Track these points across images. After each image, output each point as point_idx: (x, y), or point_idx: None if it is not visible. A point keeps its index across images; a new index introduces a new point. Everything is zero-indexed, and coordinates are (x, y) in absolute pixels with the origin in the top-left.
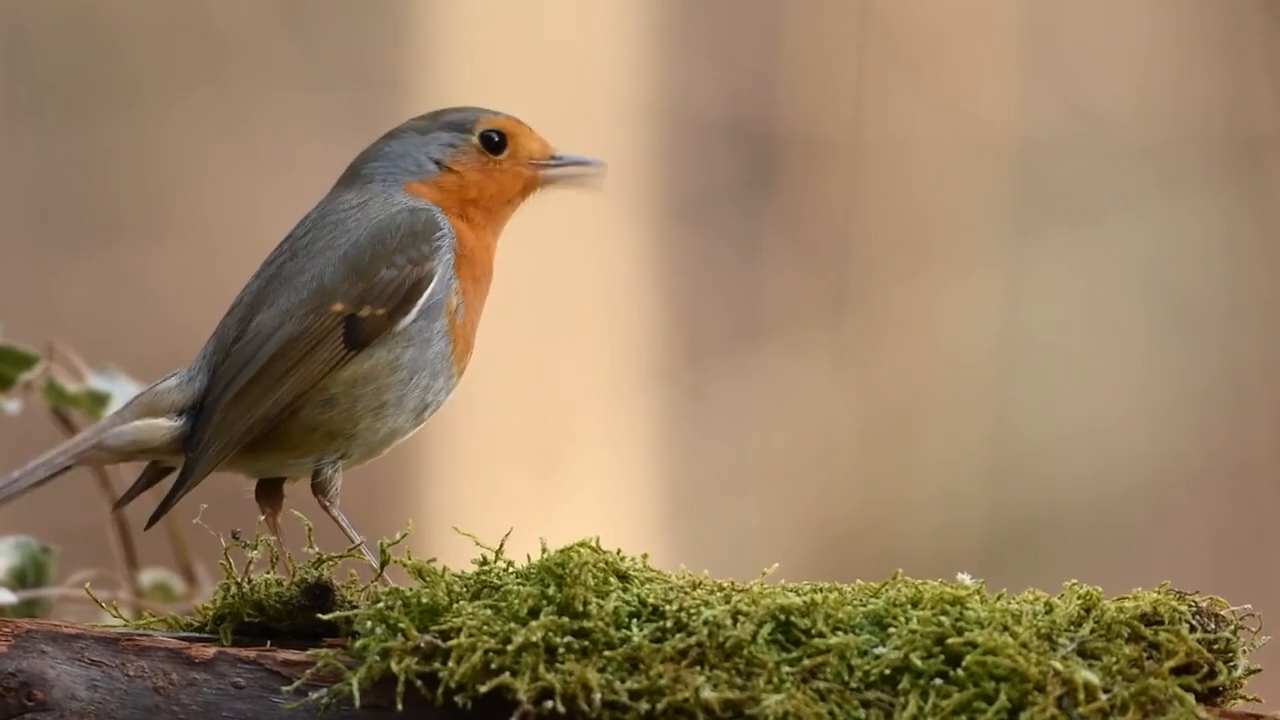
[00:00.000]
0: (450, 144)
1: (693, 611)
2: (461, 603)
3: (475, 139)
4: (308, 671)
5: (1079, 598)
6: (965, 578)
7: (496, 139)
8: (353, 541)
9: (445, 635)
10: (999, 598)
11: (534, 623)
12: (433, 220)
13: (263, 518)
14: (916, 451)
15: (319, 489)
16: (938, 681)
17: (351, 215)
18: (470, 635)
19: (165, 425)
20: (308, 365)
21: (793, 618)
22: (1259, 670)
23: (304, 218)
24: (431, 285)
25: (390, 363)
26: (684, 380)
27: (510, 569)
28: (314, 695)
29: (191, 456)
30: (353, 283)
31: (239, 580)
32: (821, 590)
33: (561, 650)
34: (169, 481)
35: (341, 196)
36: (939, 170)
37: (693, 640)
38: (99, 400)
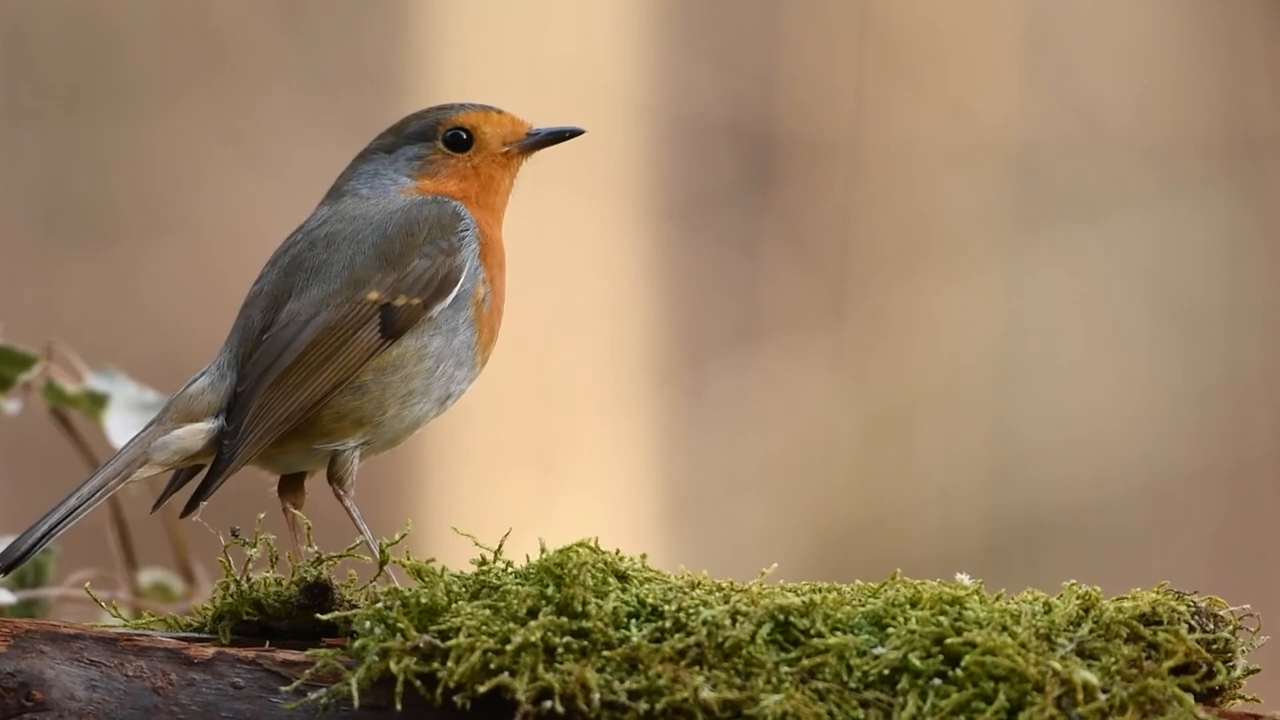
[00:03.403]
0: (417, 156)
1: (691, 612)
2: (460, 603)
3: (440, 144)
4: (306, 672)
5: (1078, 598)
6: (964, 578)
7: (464, 137)
8: (361, 533)
9: (444, 635)
10: (998, 598)
11: (533, 623)
12: (457, 211)
13: (262, 515)
14: (916, 452)
15: (335, 477)
16: (936, 681)
17: (374, 207)
18: (469, 635)
19: (206, 428)
20: (345, 352)
21: (791, 618)
22: (1258, 670)
23: (314, 213)
24: (462, 276)
25: (418, 351)
26: (684, 381)
27: (509, 569)
28: (313, 695)
29: (229, 444)
30: (385, 272)
31: (238, 578)
32: (820, 590)
33: (560, 650)
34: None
35: (343, 200)
36: (939, 170)
37: (691, 640)
38: (98, 401)
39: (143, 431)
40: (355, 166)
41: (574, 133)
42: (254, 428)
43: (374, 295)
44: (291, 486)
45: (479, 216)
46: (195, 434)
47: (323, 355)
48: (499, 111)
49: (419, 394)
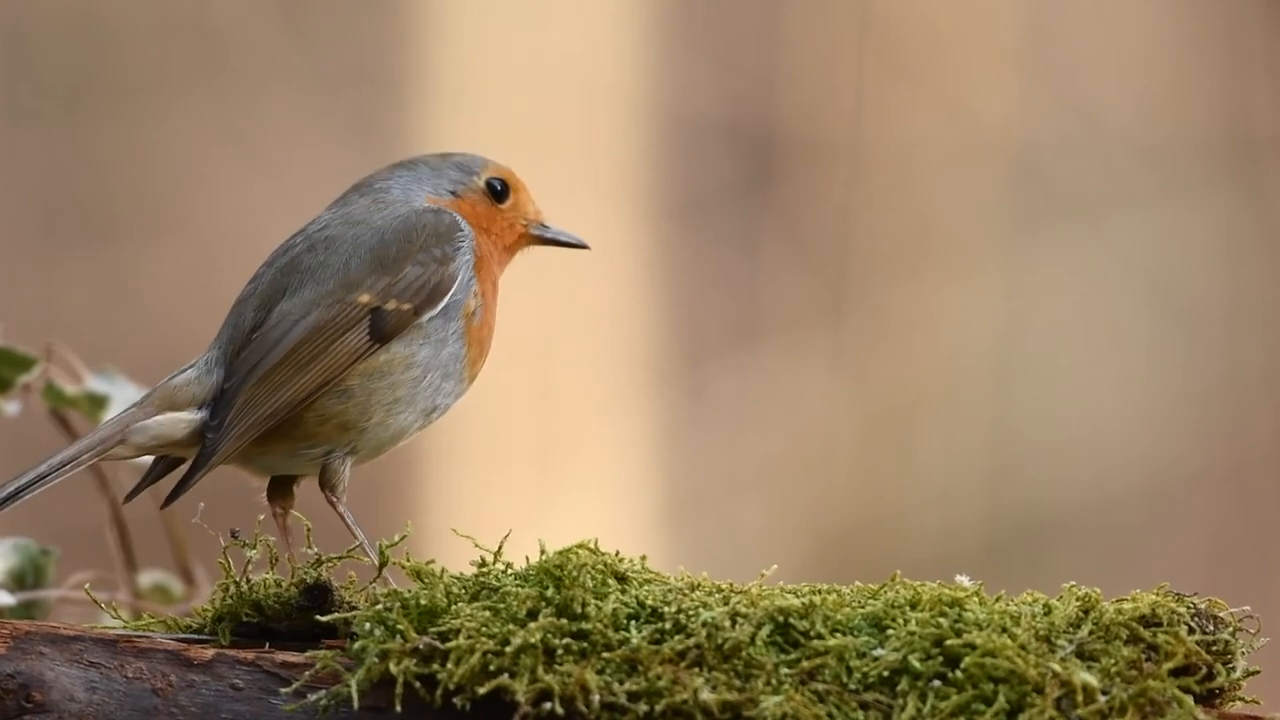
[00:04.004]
0: (461, 181)
1: (691, 613)
2: (460, 604)
3: (481, 183)
4: (306, 673)
5: (1078, 599)
6: (964, 579)
7: (499, 187)
8: (356, 538)
9: (444, 637)
10: (998, 599)
11: (533, 624)
12: (455, 222)
13: (262, 517)
14: (916, 452)
15: (327, 484)
16: (936, 683)
17: (376, 213)
18: (469, 637)
19: (187, 418)
20: (333, 353)
21: (791, 619)
22: (1257, 672)
23: (316, 217)
24: (453, 286)
25: (406, 359)
26: (683, 381)
27: (509, 570)
28: (312, 697)
29: (212, 438)
30: (378, 276)
31: (238, 580)
32: (820, 592)
33: (560, 652)
34: (170, 479)
35: (357, 201)
36: (939, 171)
37: (691, 642)
38: (97, 402)
39: (123, 413)
40: (394, 169)
41: (580, 245)
42: (237, 423)
43: (365, 298)
44: (280, 491)
45: (481, 240)
46: (175, 422)
47: (310, 354)
48: (527, 190)
49: (404, 403)
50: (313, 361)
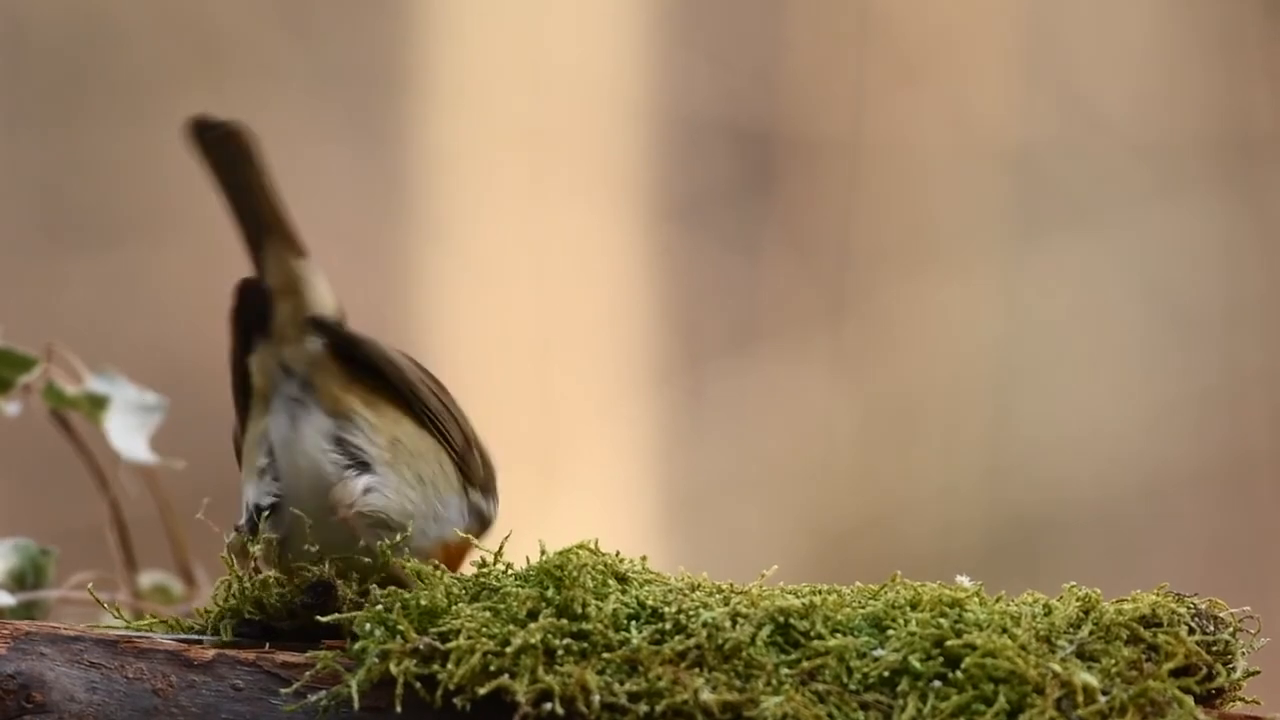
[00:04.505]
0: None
1: (691, 613)
2: (460, 605)
3: None
4: (307, 674)
5: (1078, 600)
6: (964, 580)
7: None
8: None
9: (444, 637)
10: (998, 600)
11: (533, 625)
12: None
13: (266, 516)
14: (916, 452)
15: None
16: (936, 683)
17: None
18: (469, 637)
19: None
20: None
21: (791, 620)
22: (1258, 672)
23: None
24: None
25: None
26: (683, 382)
27: (509, 571)
28: (313, 697)
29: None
30: None
31: (240, 575)
32: (820, 592)
33: (560, 652)
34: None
35: None
36: (939, 171)
37: (691, 642)
38: (98, 403)
39: None
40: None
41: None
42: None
43: None
44: None
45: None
46: None
47: None
48: None
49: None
50: None
